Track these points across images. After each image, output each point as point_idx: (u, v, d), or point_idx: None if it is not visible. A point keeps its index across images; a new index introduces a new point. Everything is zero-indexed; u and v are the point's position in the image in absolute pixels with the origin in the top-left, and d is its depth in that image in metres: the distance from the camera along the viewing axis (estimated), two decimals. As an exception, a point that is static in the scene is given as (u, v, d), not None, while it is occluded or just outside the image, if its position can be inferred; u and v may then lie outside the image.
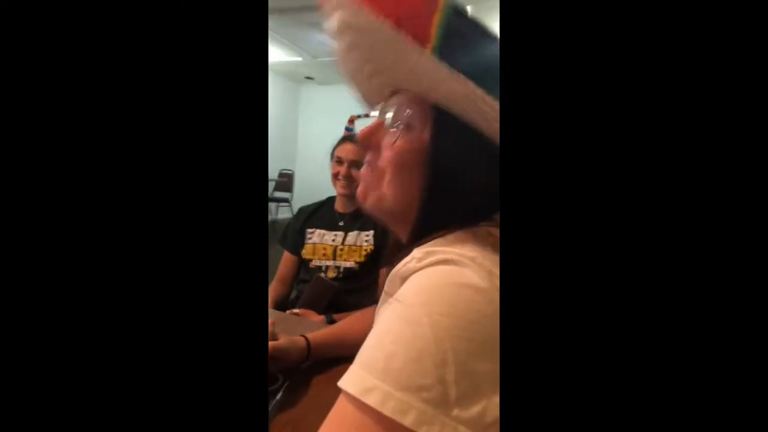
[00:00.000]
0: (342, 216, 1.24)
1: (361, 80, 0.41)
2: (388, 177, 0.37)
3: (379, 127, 0.39)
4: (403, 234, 0.40)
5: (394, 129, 0.37)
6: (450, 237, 0.32)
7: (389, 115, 0.38)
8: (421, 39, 0.30)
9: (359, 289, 1.15)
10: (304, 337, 0.66)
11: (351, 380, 0.26)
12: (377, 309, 0.36)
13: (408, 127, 0.36)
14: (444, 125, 0.35)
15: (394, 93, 0.39)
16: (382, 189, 0.38)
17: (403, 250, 0.41)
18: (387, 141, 0.38)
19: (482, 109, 0.31)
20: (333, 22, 0.35)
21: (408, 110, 0.36)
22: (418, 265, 0.30)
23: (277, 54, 4.27)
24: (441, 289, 0.27)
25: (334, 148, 1.23)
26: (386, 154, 0.37)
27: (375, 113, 0.42)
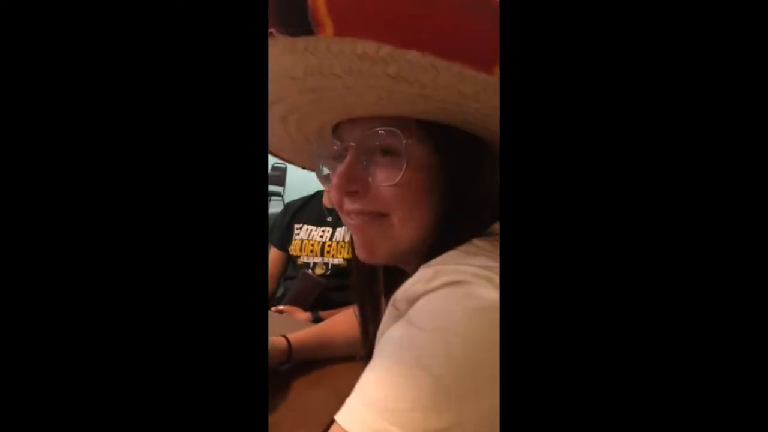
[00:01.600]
0: (330, 211, 1.21)
1: (286, 128, 0.35)
2: (398, 217, 0.32)
3: (356, 166, 0.33)
4: (413, 266, 0.35)
5: (385, 161, 0.32)
6: (456, 252, 0.29)
7: (362, 148, 0.32)
8: (486, 64, 0.24)
9: (347, 286, 1.13)
10: (285, 337, 0.63)
11: (354, 420, 0.23)
12: (380, 330, 0.31)
13: (410, 155, 0.31)
14: (448, 141, 0.31)
15: (339, 125, 0.34)
16: (394, 234, 0.33)
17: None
18: (380, 179, 0.32)
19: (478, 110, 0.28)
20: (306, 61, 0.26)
21: (403, 138, 0.30)
22: (428, 286, 0.26)
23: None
24: (457, 314, 0.24)
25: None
26: (388, 193, 0.32)
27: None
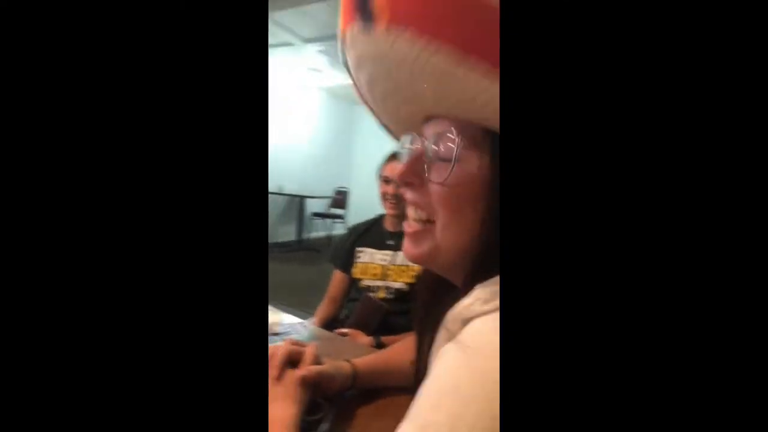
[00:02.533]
0: (392, 235, 1.21)
1: (388, 109, 0.37)
2: (441, 222, 0.32)
3: (419, 160, 0.33)
4: (458, 280, 0.34)
5: (440, 162, 0.32)
6: None
7: (429, 146, 0.33)
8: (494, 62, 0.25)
9: (409, 310, 1.11)
10: (350, 362, 0.63)
11: None
12: (433, 351, 0.30)
13: (461, 158, 0.31)
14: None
15: (428, 119, 0.34)
16: (435, 239, 0.33)
17: (449, 291, 0.36)
18: (434, 176, 0.32)
19: None
20: (354, 54, 0.31)
21: (458, 139, 0.30)
22: (485, 308, 0.25)
23: (337, 78, 4.45)
24: None
25: (381, 168, 1.21)
26: (435, 193, 0.32)
27: (407, 143, 0.37)
